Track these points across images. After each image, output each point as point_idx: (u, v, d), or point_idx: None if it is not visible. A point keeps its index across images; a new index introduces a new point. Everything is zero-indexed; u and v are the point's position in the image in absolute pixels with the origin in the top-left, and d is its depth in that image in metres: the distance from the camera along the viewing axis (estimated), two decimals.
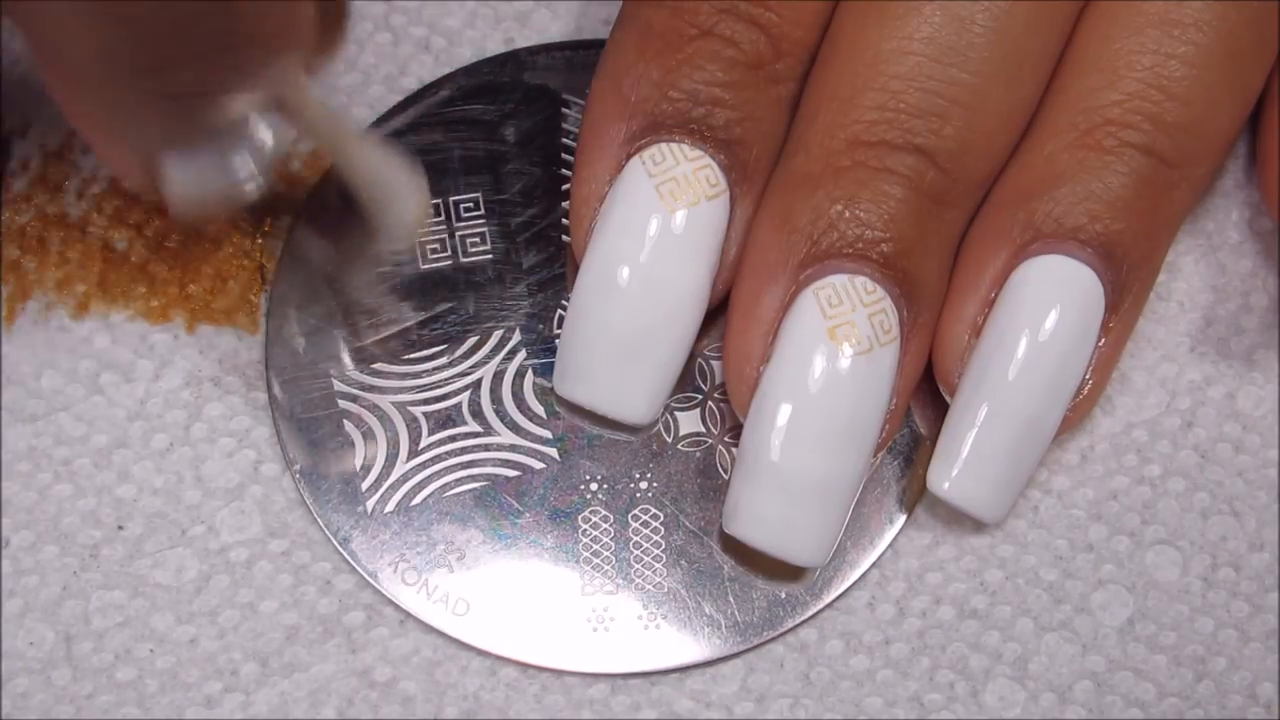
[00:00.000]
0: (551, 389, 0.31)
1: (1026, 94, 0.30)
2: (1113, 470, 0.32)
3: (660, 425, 0.31)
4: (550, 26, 0.34)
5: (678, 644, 0.30)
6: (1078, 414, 0.30)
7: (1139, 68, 0.29)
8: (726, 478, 0.31)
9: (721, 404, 0.31)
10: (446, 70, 0.34)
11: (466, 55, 0.34)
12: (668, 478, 0.31)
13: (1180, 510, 0.32)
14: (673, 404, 0.31)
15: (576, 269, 0.30)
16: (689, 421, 0.31)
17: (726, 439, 0.31)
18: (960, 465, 0.29)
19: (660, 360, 0.30)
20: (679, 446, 0.31)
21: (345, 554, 0.30)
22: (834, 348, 0.28)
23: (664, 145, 0.29)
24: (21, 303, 0.32)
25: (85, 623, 0.30)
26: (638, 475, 0.31)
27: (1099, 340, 0.30)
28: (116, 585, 0.30)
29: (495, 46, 0.34)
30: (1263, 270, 0.33)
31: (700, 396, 0.31)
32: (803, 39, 0.30)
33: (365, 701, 0.30)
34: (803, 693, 0.30)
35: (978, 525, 0.31)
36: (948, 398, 0.30)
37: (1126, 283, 0.30)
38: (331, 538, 0.31)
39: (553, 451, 0.31)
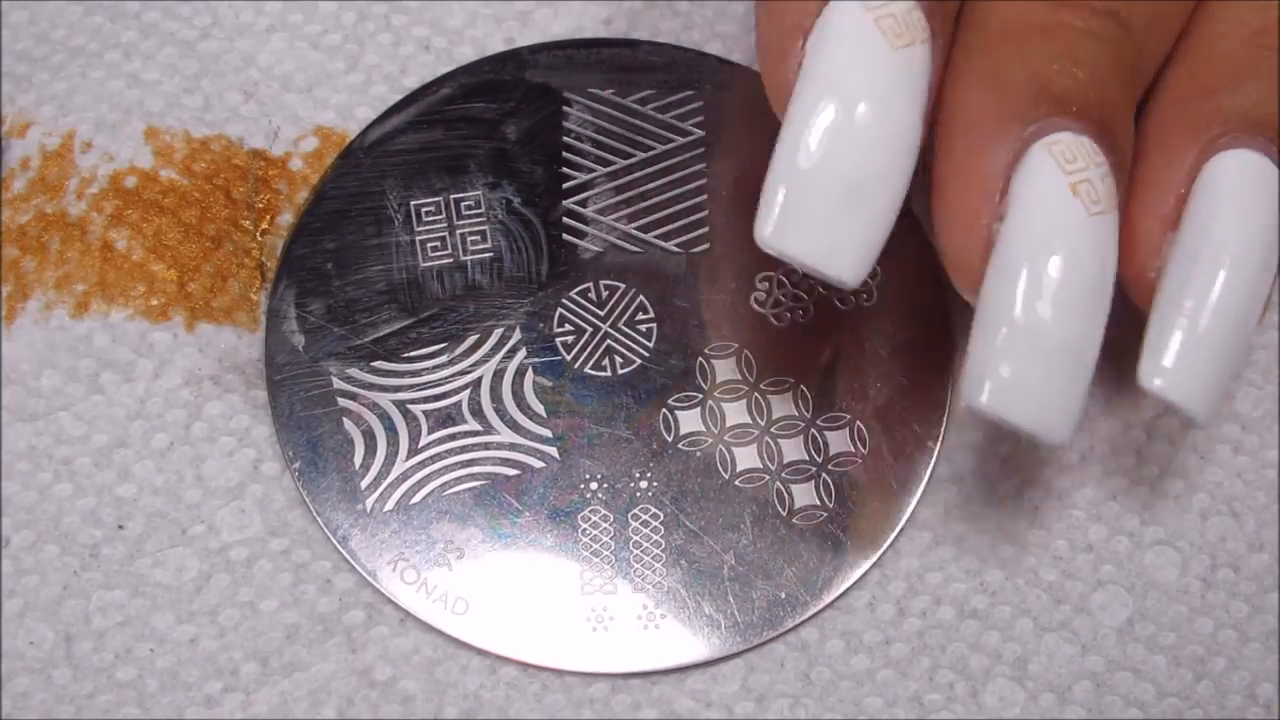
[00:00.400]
0: (552, 387, 0.31)
1: None
2: (1112, 470, 0.32)
3: (661, 424, 0.31)
4: (551, 26, 0.34)
5: (677, 644, 0.30)
6: (1266, 310, 0.29)
7: None
8: (726, 477, 0.31)
9: (722, 403, 0.31)
10: (447, 69, 0.34)
11: (468, 55, 0.34)
12: (668, 477, 0.31)
13: (1179, 511, 0.32)
14: (673, 403, 0.31)
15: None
16: (689, 420, 0.31)
17: (726, 438, 0.31)
18: (1175, 361, 0.28)
19: (879, 211, 0.28)
20: (679, 446, 0.31)
21: (344, 552, 0.30)
22: (1079, 204, 0.27)
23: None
24: (21, 302, 0.32)
25: (85, 622, 0.30)
26: (638, 474, 0.31)
27: None
28: (117, 585, 0.30)
29: (496, 46, 0.34)
30: None
31: (700, 395, 0.31)
32: None
33: (365, 701, 0.30)
34: (803, 692, 0.30)
35: (976, 523, 0.31)
36: (1138, 294, 0.29)
37: None
38: (330, 536, 0.31)
39: (553, 450, 0.31)
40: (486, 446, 0.31)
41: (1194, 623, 0.31)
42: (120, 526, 0.31)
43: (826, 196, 0.27)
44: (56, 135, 0.33)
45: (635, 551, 0.31)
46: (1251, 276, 0.28)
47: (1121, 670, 0.31)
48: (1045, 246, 0.27)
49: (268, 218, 0.33)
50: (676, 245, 0.33)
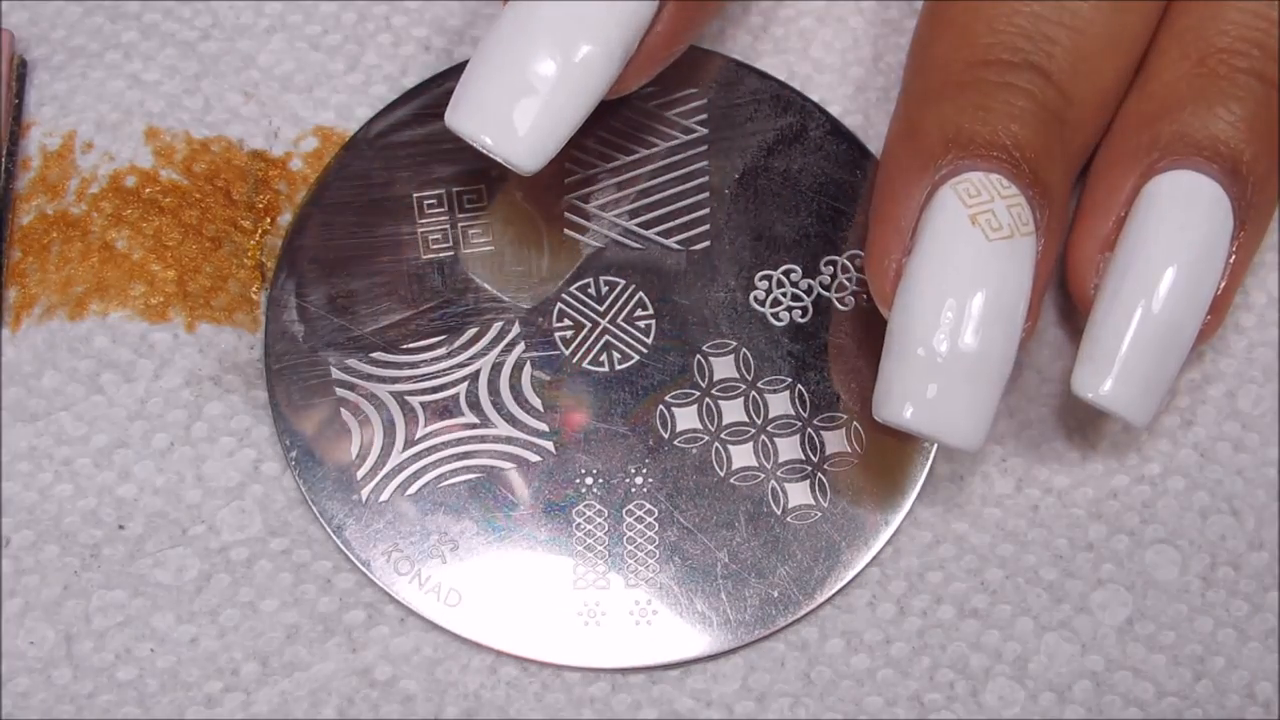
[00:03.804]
0: (550, 382, 0.31)
1: (1132, 20, 0.31)
2: (1113, 469, 0.32)
3: (657, 420, 0.31)
4: None
5: (669, 640, 0.30)
6: (1211, 326, 0.31)
7: None
8: (722, 474, 0.31)
9: (719, 401, 0.31)
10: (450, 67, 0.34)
11: (468, 55, 0.34)
12: (663, 473, 0.31)
13: (1179, 509, 0.32)
14: (670, 399, 0.31)
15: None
16: (686, 418, 0.31)
17: (723, 435, 0.31)
18: (1106, 368, 0.30)
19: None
20: (675, 443, 0.31)
21: (339, 542, 0.31)
22: (976, 231, 0.29)
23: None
24: (28, 310, 0.32)
25: (86, 622, 0.30)
26: (633, 470, 0.31)
27: (1229, 255, 0.30)
28: (117, 584, 0.30)
29: None
30: (1262, 269, 0.33)
31: (698, 393, 0.31)
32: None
33: (366, 700, 0.30)
34: (803, 692, 0.30)
35: (976, 522, 0.31)
36: (1082, 311, 0.31)
37: (1251, 199, 0.30)
38: (325, 525, 0.31)
39: (549, 445, 0.31)
40: (483, 439, 0.31)
41: (1194, 622, 0.31)
42: (121, 526, 0.31)
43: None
44: (57, 135, 0.33)
45: (629, 547, 0.31)
46: (1182, 286, 0.30)
47: (1121, 669, 0.31)
48: (941, 273, 0.29)
49: (268, 218, 0.33)
50: (677, 242, 0.33)
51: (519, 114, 0.29)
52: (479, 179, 0.33)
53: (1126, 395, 0.30)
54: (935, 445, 0.31)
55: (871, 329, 0.32)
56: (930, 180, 0.30)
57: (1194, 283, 0.30)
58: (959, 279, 0.29)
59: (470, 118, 0.30)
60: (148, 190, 0.33)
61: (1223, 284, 0.30)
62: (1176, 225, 0.30)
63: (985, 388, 0.29)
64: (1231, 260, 0.30)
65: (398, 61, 0.34)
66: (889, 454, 0.31)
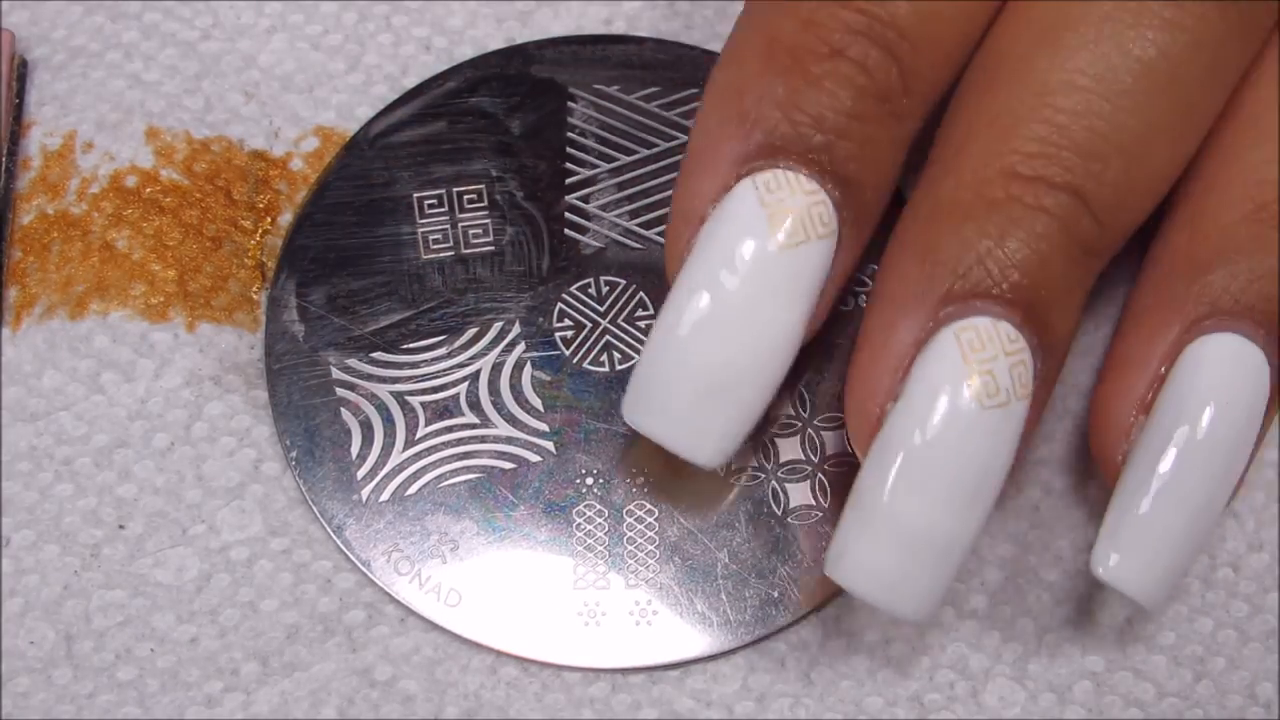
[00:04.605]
0: (549, 382, 0.31)
1: (1188, 149, 0.29)
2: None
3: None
4: (552, 26, 0.34)
5: (669, 640, 0.30)
6: (1234, 496, 0.29)
7: None
8: (722, 475, 0.31)
9: None
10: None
11: (469, 55, 0.34)
12: (663, 474, 0.31)
13: None
14: None
15: (663, 284, 0.29)
16: None
17: None
18: (1127, 550, 0.28)
19: (742, 404, 0.28)
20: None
21: (339, 542, 0.30)
22: (971, 396, 0.27)
23: (781, 172, 0.28)
24: (28, 309, 0.32)
25: (86, 622, 0.30)
26: (634, 471, 0.31)
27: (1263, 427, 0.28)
28: (117, 584, 0.30)
29: (497, 46, 0.34)
30: None
31: None
32: (934, 79, 0.28)
33: (366, 701, 0.30)
34: (803, 692, 0.30)
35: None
36: (1106, 475, 0.29)
37: None
38: (325, 525, 0.31)
39: (549, 445, 0.31)
40: (483, 439, 0.31)
41: (1194, 622, 0.31)
42: (121, 526, 0.31)
43: (686, 386, 0.27)
44: (57, 135, 0.33)
45: (629, 547, 0.31)
46: (1217, 473, 0.28)
47: (1121, 670, 0.31)
48: (925, 438, 0.27)
49: (268, 218, 0.33)
50: None
51: (707, 419, 0.27)
52: (479, 179, 0.33)
53: (1146, 580, 0.28)
54: None
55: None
56: (934, 317, 0.27)
57: (1232, 460, 0.28)
58: (944, 453, 0.27)
59: (652, 416, 0.28)
60: (148, 190, 0.33)
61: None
62: (1223, 400, 0.28)
63: (946, 567, 0.27)
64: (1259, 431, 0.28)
65: (398, 61, 0.34)
66: None
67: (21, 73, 0.33)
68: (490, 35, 0.34)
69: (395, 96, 0.34)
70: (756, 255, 0.27)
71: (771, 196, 0.28)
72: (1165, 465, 0.28)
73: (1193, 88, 0.28)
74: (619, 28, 0.34)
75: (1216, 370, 0.28)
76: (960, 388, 0.27)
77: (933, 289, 0.27)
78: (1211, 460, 0.28)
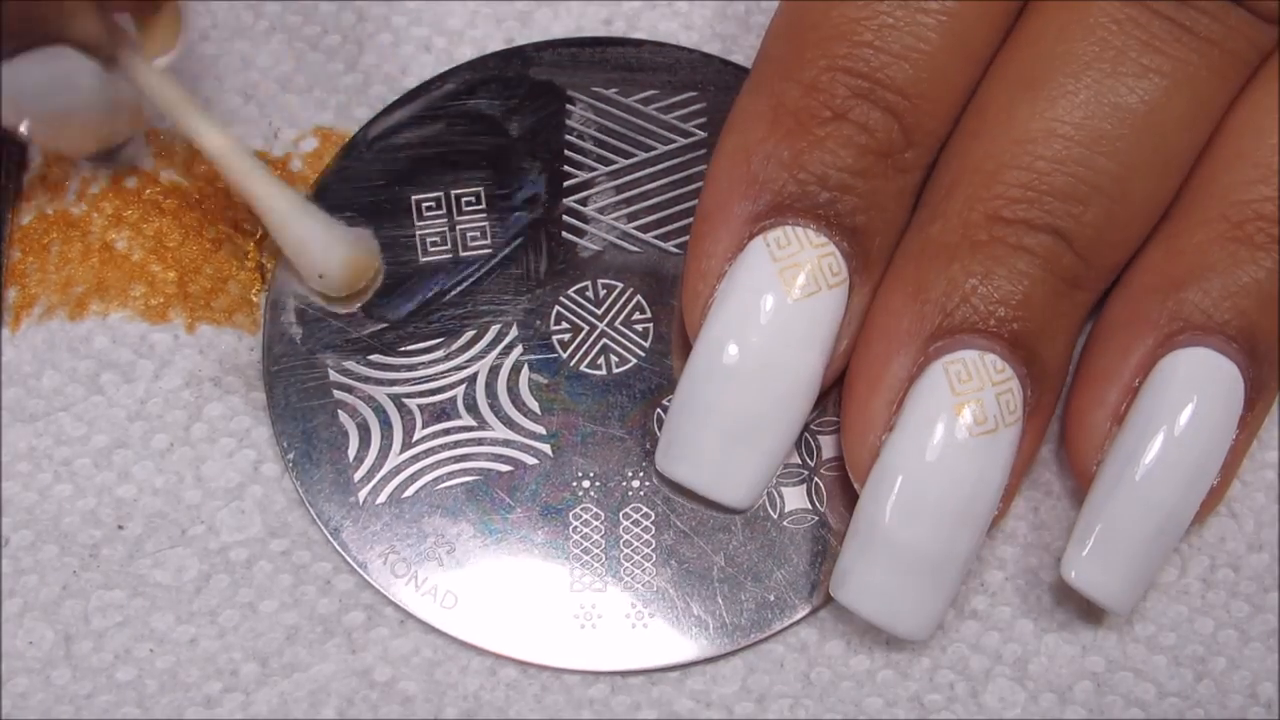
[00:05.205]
0: (546, 384, 0.31)
1: (1171, 185, 0.30)
2: None
3: (654, 423, 0.31)
4: (552, 26, 0.34)
5: (665, 643, 0.30)
6: (1207, 509, 0.30)
7: None
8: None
9: None
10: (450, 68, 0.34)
11: (468, 55, 0.34)
12: (660, 476, 0.31)
13: None
14: (667, 403, 0.31)
15: (685, 342, 0.30)
16: None
17: None
18: (1095, 555, 0.29)
19: (767, 448, 0.30)
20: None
21: (335, 544, 0.31)
22: (960, 425, 0.28)
23: (789, 229, 0.29)
24: (28, 310, 0.32)
25: (85, 622, 0.30)
26: (630, 473, 0.31)
27: (1235, 435, 0.29)
28: (116, 585, 0.30)
29: (497, 46, 0.34)
30: None
31: None
32: (935, 130, 0.30)
33: (365, 701, 0.30)
34: (803, 693, 0.30)
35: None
36: (1080, 483, 0.30)
37: (1264, 379, 0.29)
38: (322, 527, 0.31)
39: (546, 447, 0.31)
40: (480, 442, 0.31)
41: (1194, 623, 0.31)
42: (120, 527, 0.31)
43: (713, 434, 0.29)
44: None
45: (626, 550, 0.31)
46: (1186, 482, 0.29)
47: (1122, 670, 0.31)
48: (918, 465, 0.28)
49: None
50: (675, 246, 0.32)
51: (736, 463, 0.30)
52: (477, 182, 0.33)
53: (1110, 585, 0.29)
54: None
55: None
56: (925, 352, 0.29)
57: (1202, 471, 0.29)
58: (937, 480, 0.28)
59: (685, 464, 0.30)
60: (148, 191, 0.33)
61: (1223, 469, 0.29)
62: (1192, 411, 0.29)
63: (944, 586, 0.29)
64: (1235, 440, 0.29)
65: (397, 61, 0.34)
66: None
67: None
68: (490, 35, 0.34)
69: (394, 96, 0.34)
70: (774, 308, 0.29)
71: (783, 252, 0.29)
72: (1135, 474, 0.29)
73: (1172, 129, 0.29)
74: (619, 28, 0.34)
75: (1188, 383, 0.29)
76: (950, 417, 0.28)
77: (923, 326, 0.29)
78: (1180, 470, 0.29)
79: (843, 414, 0.30)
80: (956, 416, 0.28)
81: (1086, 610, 0.31)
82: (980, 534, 0.29)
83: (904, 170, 0.30)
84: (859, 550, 0.29)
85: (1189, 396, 0.29)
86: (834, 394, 0.31)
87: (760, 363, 0.29)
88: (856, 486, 0.30)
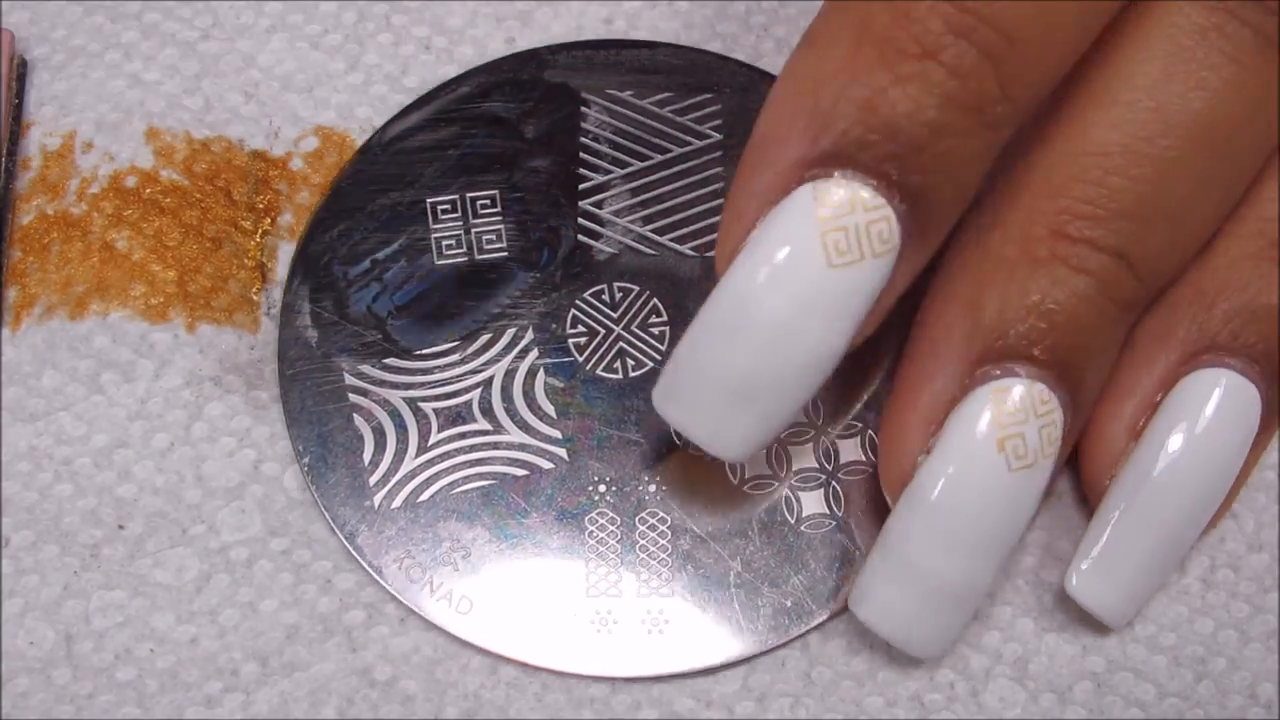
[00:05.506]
0: (562, 388, 0.31)
1: (1232, 203, 0.29)
2: None
3: (670, 428, 0.31)
4: (552, 26, 0.34)
5: (681, 649, 0.30)
6: (1211, 526, 0.30)
7: None
8: (735, 483, 0.31)
9: None
10: (448, 69, 0.34)
11: (468, 54, 0.34)
12: (676, 482, 0.31)
13: None
14: None
15: (711, 276, 0.28)
16: None
17: None
18: (1097, 569, 0.29)
19: (771, 412, 0.27)
20: (689, 450, 0.31)
21: (351, 549, 0.30)
22: (1001, 459, 0.27)
23: (844, 183, 0.26)
24: (28, 309, 0.32)
25: (86, 622, 0.30)
26: (646, 478, 0.31)
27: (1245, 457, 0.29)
28: (117, 585, 0.30)
29: (497, 46, 0.34)
30: None
31: None
32: (1035, 86, 0.27)
33: (365, 701, 0.30)
34: (804, 692, 0.30)
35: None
36: (1091, 497, 0.30)
37: (1278, 399, 0.29)
38: (338, 531, 0.31)
39: (562, 452, 0.31)
40: (496, 446, 0.31)
41: (1194, 623, 0.31)
42: (120, 526, 0.31)
43: (716, 388, 0.27)
44: (57, 136, 0.33)
45: (642, 555, 0.31)
46: (1196, 503, 0.29)
47: (1122, 670, 0.31)
48: (953, 497, 0.27)
49: (268, 218, 0.33)
50: (691, 249, 0.32)
51: (735, 420, 0.27)
52: (492, 185, 0.33)
53: (1108, 599, 0.29)
54: None
55: (885, 337, 0.32)
56: (971, 376, 0.28)
57: (1213, 493, 0.29)
58: (969, 511, 0.27)
59: (680, 409, 0.27)
60: (148, 190, 0.33)
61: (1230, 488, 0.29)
62: (1209, 433, 0.28)
63: (964, 612, 0.28)
64: (1244, 462, 0.29)
65: (398, 61, 0.34)
66: None
67: (21, 73, 0.33)
68: (490, 35, 0.34)
69: (395, 95, 0.34)
70: (805, 272, 0.26)
71: (830, 209, 0.26)
72: (1145, 493, 0.28)
73: (1245, 149, 0.28)
74: (619, 27, 0.34)
75: (1207, 403, 0.28)
76: (991, 451, 0.27)
77: (973, 345, 0.28)
78: (1191, 491, 0.28)
79: (882, 426, 0.29)
80: (999, 451, 0.27)
81: (1087, 610, 0.31)
82: (1004, 562, 0.28)
83: (990, 127, 0.27)
84: (882, 570, 0.28)
85: (1208, 417, 0.28)
86: (854, 401, 0.31)
87: (780, 329, 0.26)
88: (890, 503, 0.29)
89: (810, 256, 0.26)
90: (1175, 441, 0.28)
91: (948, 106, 0.26)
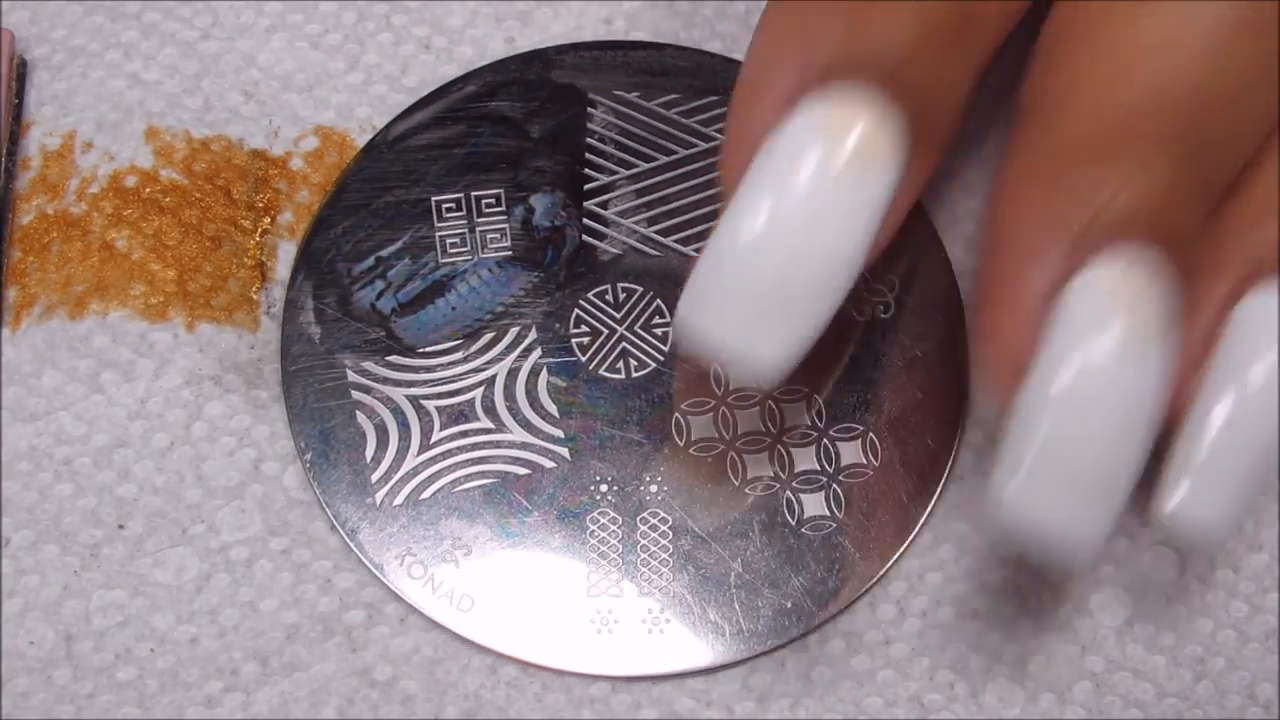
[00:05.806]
0: (565, 388, 0.31)
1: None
2: None
3: (673, 428, 0.31)
4: (552, 25, 0.34)
5: (681, 649, 0.30)
6: None
7: None
8: (737, 484, 0.31)
9: (735, 410, 0.31)
10: (448, 69, 0.34)
11: (468, 54, 0.34)
12: (678, 481, 0.31)
13: None
14: (686, 408, 0.31)
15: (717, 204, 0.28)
16: (701, 426, 0.31)
17: (738, 445, 0.31)
18: (1193, 492, 0.27)
19: (797, 320, 0.26)
20: (690, 450, 0.31)
21: (352, 545, 0.30)
22: (1129, 336, 0.26)
23: (847, 90, 0.26)
24: (28, 309, 0.32)
25: (86, 622, 0.30)
26: (648, 478, 0.31)
27: None
28: (117, 584, 0.30)
29: (497, 45, 0.34)
30: None
31: (714, 402, 0.31)
32: None
33: (366, 701, 0.30)
34: (803, 692, 0.30)
35: (977, 523, 0.31)
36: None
37: None
38: (339, 528, 0.31)
39: (564, 451, 0.31)
40: (498, 444, 0.31)
41: (1193, 623, 0.31)
42: (120, 526, 0.31)
43: (743, 298, 0.26)
44: (57, 135, 0.33)
45: (643, 555, 0.31)
46: (1275, 415, 0.27)
47: (1121, 670, 0.31)
48: (1081, 380, 0.26)
49: (268, 217, 0.33)
50: (696, 250, 0.32)
51: (762, 324, 0.26)
52: (497, 184, 0.33)
53: (1216, 523, 0.27)
54: (951, 459, 0.31)
55: (887, 339, 0.32)
56: (1072, 259, 0.26)
57: None
58: (1095, 392, 0.26)
59: (708, 318, 0.26)
60: (148, 190, 0.33)
61: None
62: (1272, 347, 0.27)
63: (1109, 500, 0.26)
64: None
65: (398, 61, 0.34)
66: (904, 466, 0.31)
67: (21, 73, 0.33)
68: (490, 34, 0.34)
69: (395, 95, 0.34)
70: (817, 177, 0.26)
71: (835, 118, 0.26)
72: (1226, 414, 0.27)
73: None
74: (619, 27, 0.34)
75: (1266, 324, 0.27)
76: (1117, 327, 0.26)
77: (1068, 227, 0.26)
78: (1268, 408, 0.27)
79: (977, 327, 0.28)
80: (1118, 329, 0.26)
81: (1085, 610, 0.31)
82: (1145, 445, 0.26)
83: (979, 27, 0.27)
84: (1019, 467, 0.26)
85: (1272, 338, 0.27)
86: (855, 405, 0.31)
87: (795, 235, 0.26)
88: (997, 407, 0.27)
89: (821, 161, 0.26)
90: (1241, 362, 0.27)
91: (943, 11, 0.26)
